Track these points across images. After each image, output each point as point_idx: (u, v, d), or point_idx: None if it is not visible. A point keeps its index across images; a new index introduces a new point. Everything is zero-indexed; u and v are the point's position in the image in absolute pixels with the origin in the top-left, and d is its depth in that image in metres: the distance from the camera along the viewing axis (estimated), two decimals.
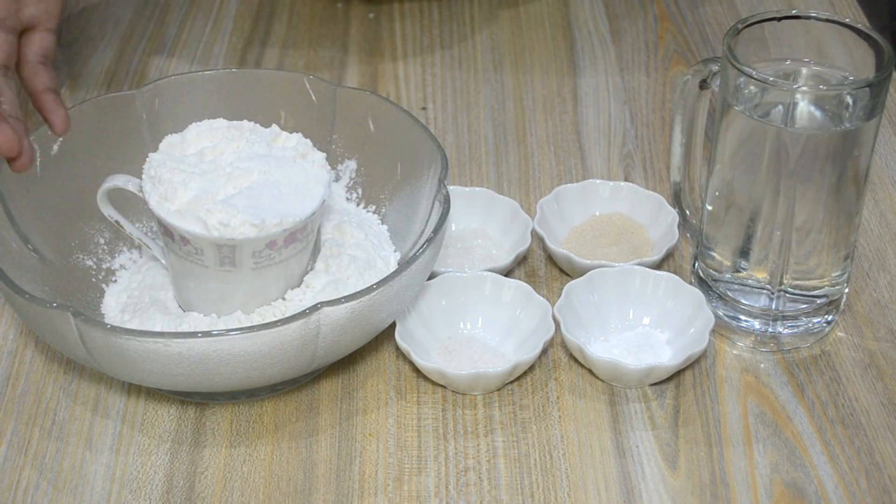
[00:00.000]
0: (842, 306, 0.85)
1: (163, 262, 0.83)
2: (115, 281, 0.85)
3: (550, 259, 0.90)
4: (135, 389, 0.81)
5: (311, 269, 0.81)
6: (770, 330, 0.83)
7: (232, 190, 0.76)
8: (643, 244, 0.90)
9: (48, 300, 0.76)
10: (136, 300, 0.82)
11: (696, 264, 0.87)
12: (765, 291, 0.83)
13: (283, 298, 0.80)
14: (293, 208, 0.76)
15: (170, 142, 0.79)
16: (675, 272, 0.88)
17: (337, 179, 0.90)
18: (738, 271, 0.83)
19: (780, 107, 0.79)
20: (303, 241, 0.78)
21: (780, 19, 0.82)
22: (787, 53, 0.82)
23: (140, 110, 0.88)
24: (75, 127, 0.84)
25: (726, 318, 0.84)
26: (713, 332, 0.82)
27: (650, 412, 0.80)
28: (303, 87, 0.90)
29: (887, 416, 0.80)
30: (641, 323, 0.85)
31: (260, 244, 0.76)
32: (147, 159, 0.78)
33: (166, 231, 0.77)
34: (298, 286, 0.80)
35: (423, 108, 1.05)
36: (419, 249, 0.77)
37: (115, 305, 0.83)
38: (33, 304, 0.73)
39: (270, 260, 0.77)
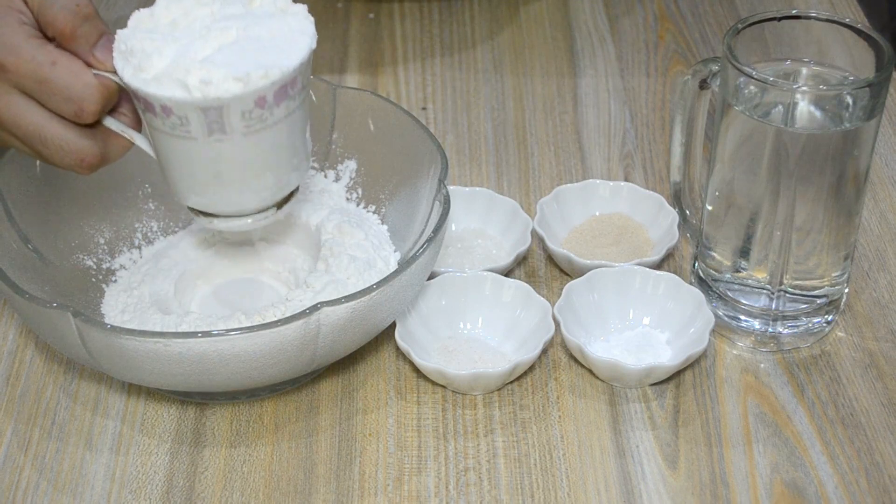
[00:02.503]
0: (842, 306, 0.85)
1: (151, 153, 0.76)
2: (115, 281, 0.85)
3: (550, 259, 0.90)
4: (135, 389, 0.81)
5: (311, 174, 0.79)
6: (770, 330, 0.83)
7: (211, 49, 0.71)
8: (643, 244, 0.90)
9: (48, 300, 0.76)
10: (136, 300, 0.82)
11: (696, 264, 0.87)
12: (765, 291, 0.83)
13: (286, 298, 0.79)
14: (279, 60, 0.71)
15: (138, 17, 0.74)
16: (675, 272, 0.88)
17: (337, 179, 0.90)
18: (738, 271, 0.83)
19: (780, 107, 0.79)
20: (295, 100, 0.73)
21: (780, 19, 0.82)
22: (787, 53, 0.82)
23: None
24: None
25: (726, 318, 0.84)
26: (713, 332, 0.82)
27: (650, 412, 0.80)
28: None
29: (887, 416, 0.80)
30: (641, 323, 0.85)
31: (248, 102, 0.70)
32: (116, 36, 0.73)
33: (146, 106, 0.72)
34: (298, 171, 0.76)
35: (423, 108, 1.05)
36: (419, 249, 0.77)
37: (115, 305, 0.83)
38: (33, 304, 0.73)
39: (262, 122, 0.72)
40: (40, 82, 0.70)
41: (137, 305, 0.82)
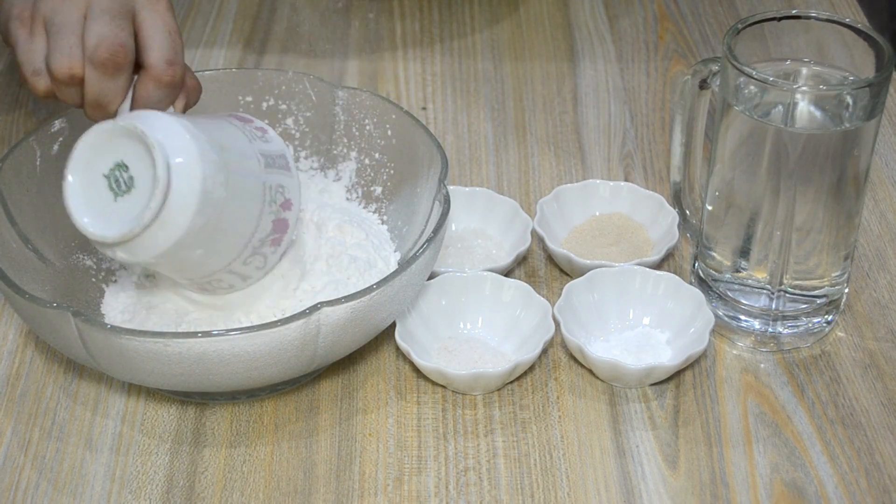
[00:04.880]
0: (842, 306, 0.85)
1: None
2: (115, 281, 0.85)
3: (550, 259, 0.90)
4: (135, 389, 0.81)
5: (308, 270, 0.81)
6: (770, 330, 0.83)
7: None
8: (643, 244, 0.90)
9: (48, 300, 0.76)
10: (136, 300, 0.82)
11: (696, 264, 0.87)
12: (765, 291, 0.83)
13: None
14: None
15: None
16: (675, 272, 0.88)
17: (337, 179, 0.90)
18: (738, 271, 0.83)
19: (780, 107, 0.79)
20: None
21: (780, 19, 0.82)
22: (787, 53, 0.82)
23: None
24: (75, 128, 0.84)
25: (726, 318, 0.84)
26: (713, 332, 0.82)
27: (650, 412, 0.80)
28: (303, 87, 0.90)
29: (887, 416, 0.80)
30: (641, 323, 0.85)
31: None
32: None
33: None
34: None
35: (423, 108, 1.05)
36: (419, 249, 0.77)
37: (116, 305, 0.83)
38: (33, 304, 0.73)
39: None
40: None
41: (137, 305, 0.82)
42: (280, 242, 0.78)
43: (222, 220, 0.74)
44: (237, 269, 0.77)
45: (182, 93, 0.77)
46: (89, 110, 0.75)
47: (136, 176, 0.72)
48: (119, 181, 0.73)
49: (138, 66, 0.75)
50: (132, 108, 0.75)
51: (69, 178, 0.73)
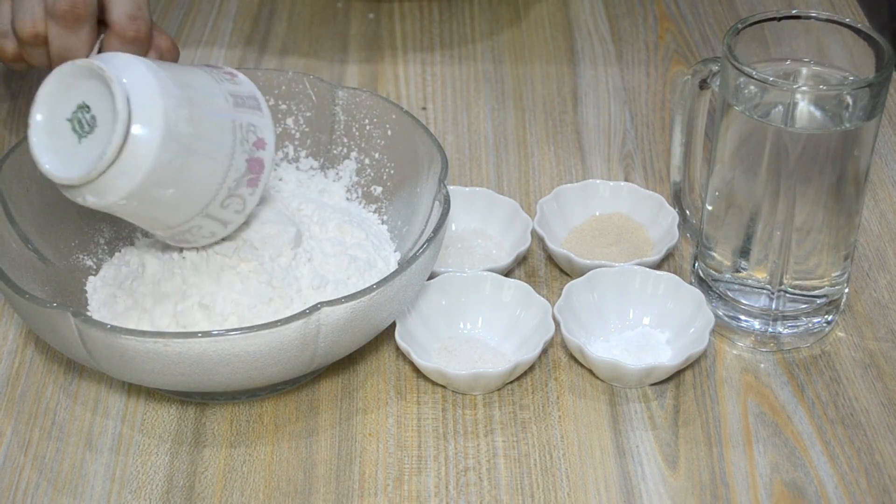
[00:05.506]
0: (842, 306, 0.85)
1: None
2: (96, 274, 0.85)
3: (550, 259, 0.90)
4: (135, 389, 0.81)
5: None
6: (770, 330, 0.83)
7: None
8: (643, 244, 0.90)
9: (48, 300, 0.76)
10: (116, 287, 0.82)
11: (696, 264, 0.87)
12: (765, 291, 0.83)
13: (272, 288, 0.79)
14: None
15: None
16: (675, 272, 0.88)
17: (337, 179, 0.90)
18: (738, 271, 0.83)
19: (780, 107, 0.79)
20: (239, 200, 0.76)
21: (780, 19, 0.82)
22: (787, 53, 0.82)
23: None
24: None
25: (726, 318, 0.84)
26: (713, 332, 0.82)
27: (650, 412, 0.80)
28: (303, 87, 0.90)
29: (887, 416, 0.80)
30: (641, 323, 0.85)
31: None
32: None
33: None
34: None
35: (423, 108, 1.05)
36: (419, 249, 0.77)
37: (98, 298, 0.83)
38: (33, 304, 0.73)
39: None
40: None
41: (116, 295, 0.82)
42: (256, 183, 0.77)
43: (191, 157, 0.72)
44: (215, 212, 0.76)
45: (153, 51, 0.77)
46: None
47: (98, 115, 0.71)
48: (82, 122, 0.71)
49: (104, 24, 0.76)
50: None
51: (33, 123, 0.72)
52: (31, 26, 0.75)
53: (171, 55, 0.78)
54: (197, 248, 0.79)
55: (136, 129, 0.70)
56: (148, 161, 0.70)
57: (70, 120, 0.72)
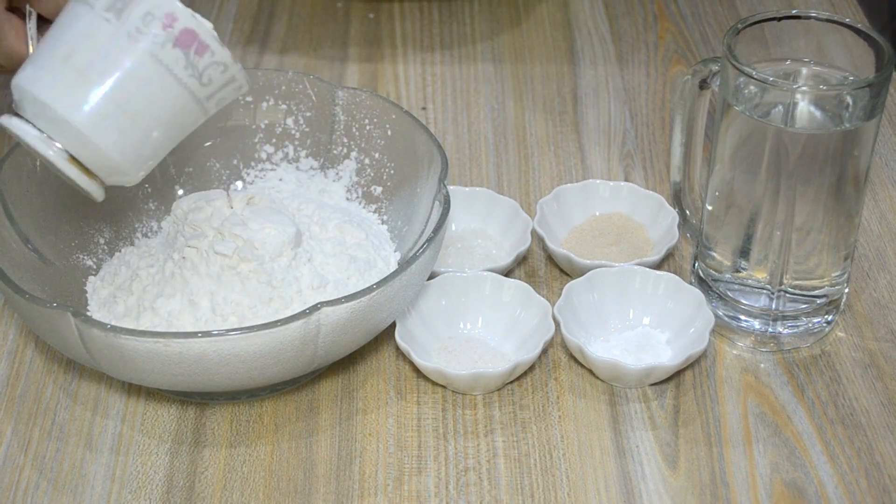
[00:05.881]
0: (842, 306, 0.85)
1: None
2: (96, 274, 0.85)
3: (550, 259, 0.90)
4: (135, 389, 0.81)
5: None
6: (770, 330, 0.83)
7: None
8: (643, 244, 0.90)
9: (48, 300, 0.76)
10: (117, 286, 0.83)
11: (696, 264, 0.87)
12: (765, 291, 0.83)
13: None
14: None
15: None
16: (675, 272, 0.88)
17: (337, 179, 0.90)
18: (738, 271, 0.83)
19: (780, 107, 0.79)
20: (213, 66, 0.71)
21: (780, 19, 0.82)
22: (787, 53, 0.82)
23: None
24: None
25: (726, 318, 0.84)
26: (713, 332, 0.82)
27: (650, 412, 0.80)
28: (303, 87, 0.90)
29: (887, 416, 0.80)
30: (641, 323, 0.85)
31: (157, 10, 0.68)
32: None
33: None
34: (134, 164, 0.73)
35: (423, 108, 1.06)
36: (419, 249, 0.77)
37: (98, 298, 0.83)
38: (33, 304, 0.73)
39: (157, 43, 0.68)
40: None
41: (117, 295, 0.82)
42: (203, 47, 0.70)
43: (134, 106, 0.70)
44: (202, 95, 0.72)
45: None
46: None
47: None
48: None
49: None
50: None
51: None
52: None
53: None
54: (197, 248, 0.79)
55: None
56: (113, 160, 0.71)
57: None
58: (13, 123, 0.71)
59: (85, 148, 0.70)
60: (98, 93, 0.69)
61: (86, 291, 0.84)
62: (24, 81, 0.70)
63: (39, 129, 0.71)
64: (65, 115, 0.69)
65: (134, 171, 0.73)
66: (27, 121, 0.71)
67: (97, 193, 0.73)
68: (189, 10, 0.70)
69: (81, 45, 0.69)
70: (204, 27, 0.70)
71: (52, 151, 0.70)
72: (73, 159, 0.71)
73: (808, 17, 0.82)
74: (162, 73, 0.70)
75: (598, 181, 0.93)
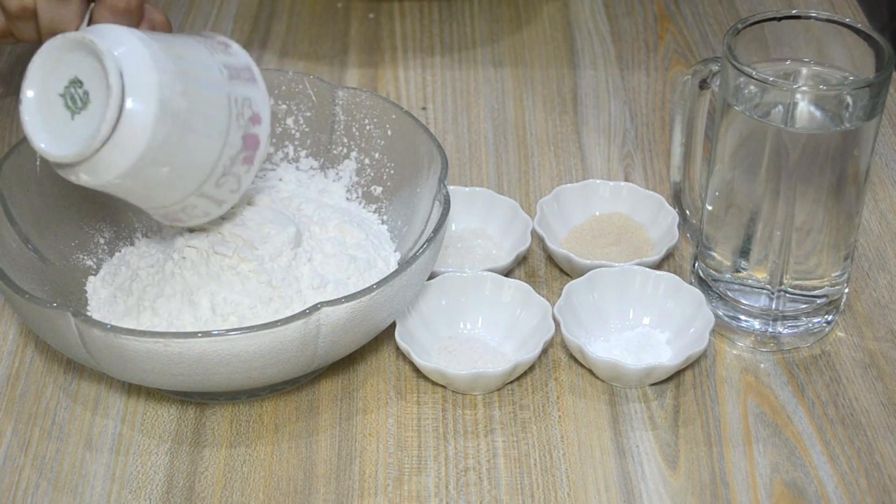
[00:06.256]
0: (842, 306, 0.85)
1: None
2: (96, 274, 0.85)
3: (550, 259, 0.90)
4: (135, 389, 0.81)
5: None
6: (770, 330, 0.83)
7: None
8: (643, 244, 0.90)
9: (48, 300, 0.76)
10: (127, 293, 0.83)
11: (696, 264, 0.87)
12: (765, 291, 0.83)
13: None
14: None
15: None
16: (675, 272, 0.88)
17: (337, 179, 0.90)
18: (738, 271, 0.83)
19: (780, 107, 0.79)
20: (238, 180, 0.74)
21: (780, 19, 0.82)
22: (787, 53, 0.82)
23: None
24: None
25: (726, 318, 0.84)
26: (713, 332, 0.82)
27: (650, 412, 0.80)
28: (303, 87, 0.90)
29: (887, 416, 0.80)
30: (641, 323, 0.85)
31: (254, 102, 0.74)
32: None
33: None
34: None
35: (423, 108, 1.05)
36: (419, 249, 0.77)
37: (102, 296, 0.83)
38: (33, 304, 0.73)
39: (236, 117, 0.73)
40: None
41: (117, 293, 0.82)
42: (252, 161, 0.75)
43: (186, 134, 0.71)
44: (210, 192, 0.74)
45: (144, 23, 0.75)
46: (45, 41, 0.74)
47: (91, 90, 0.69)
48: (74, 98, 0.69)
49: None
50: None
51: (24, 100, 0.70)
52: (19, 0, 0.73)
53: (163, 29, 0.77)
54: (197, 248, 0.79)
55: (129, 105, 0.68)
56: (143, 138, 0.69)
57: (62, 95, 0.70)
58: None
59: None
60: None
61: (86, 291, 0.84)
62: None
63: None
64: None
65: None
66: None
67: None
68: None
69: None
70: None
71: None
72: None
73: (808, 17, 0.82)
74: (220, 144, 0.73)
75: (598, 181, 0.93)
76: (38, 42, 0.74)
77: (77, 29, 0.73)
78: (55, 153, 0.70)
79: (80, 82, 0.69)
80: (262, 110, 0.75)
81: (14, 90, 1.06)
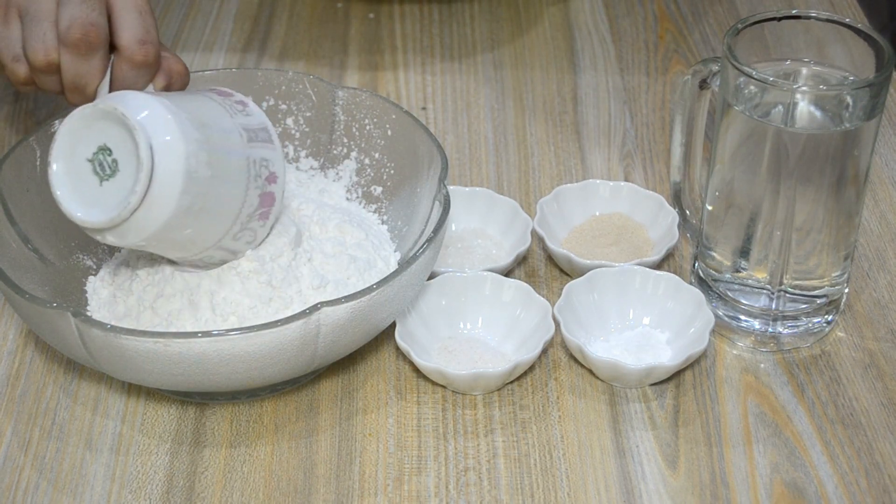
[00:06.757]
0: (842, 306, 0.85)
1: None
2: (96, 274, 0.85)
3: (550, 259, 0.90)
4: (135, 389, 0.81)
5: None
6: (770, 330, 0.83)
7: None
8: (643, 244, 0.90)
9: (48, 300, 0.76)
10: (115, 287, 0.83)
11: (696, 264, 0.87)
12: (765, 291, 0.83)
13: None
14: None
15: None
16: (675, 272, 0.88)
17: (337, 179, 0.90)
18: (738, 271, 0.83)
19: (780, 107, 0.79)
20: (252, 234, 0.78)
21: (780, 19, 0.82)
22: (787, 53, 0.82)
23: None
24: None
25: (726, 318, 0.84)
26: (713, 332, 0.82)
27: (650, 412, 0.80)
28: (303, 87, 0.90)
29: (887, 416, 0.80)
30: (641, 323, 0.85)
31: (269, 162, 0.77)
32: None
33: None
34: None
35: (423, 108, 1.05)
36: (419, 249, 0.77)
37: (102, 297, 0.83)
38: (33, 304, 0.73)
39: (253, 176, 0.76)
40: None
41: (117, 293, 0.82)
42: (268, 216, 0.78)
43: (209, 199, 0.74)
44: (227, 245, 0.77)
45: (162, 73, 0.77)
46: (69, 94, 0.76)
47: (120, 159, 0.72)
48: (103, 165, 0.73)
49: (113, 48, 0.76)
50: (111, 89, 0.76)
51: (54, 165, 0.73)
52: (44, 55, 0.75)
53: (181, 79, 0.78)
54: None
55: (158, 177, 0.71)
56: (169, 207, 0.72)
57: (91, 161, 0.73)
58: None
59: None
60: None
61: (86, 291, 0.84)
62: None
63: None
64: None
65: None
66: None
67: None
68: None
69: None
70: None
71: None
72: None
73: (808, 17, 0.82)
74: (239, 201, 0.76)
75: (598, 181, 0.93)
76: (60, 93, 0.76)
77: (99, 82, 0.76)
78: (88, 220, 0.73)
79: (109, 150, 0.73)
80: (278, 169, 0.78)
81: (14, 92, 1.06)
